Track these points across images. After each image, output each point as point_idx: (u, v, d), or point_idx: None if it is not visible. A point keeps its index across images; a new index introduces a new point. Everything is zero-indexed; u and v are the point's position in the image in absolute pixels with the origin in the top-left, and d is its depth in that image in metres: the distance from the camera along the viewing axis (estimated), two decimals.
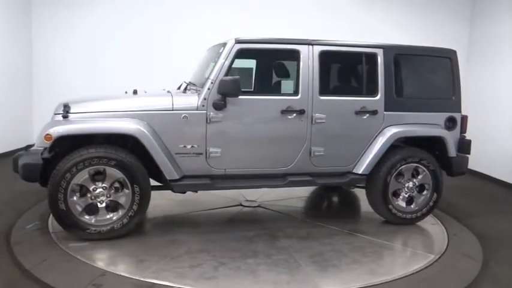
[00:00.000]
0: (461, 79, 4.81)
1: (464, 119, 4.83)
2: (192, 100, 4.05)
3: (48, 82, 8.11)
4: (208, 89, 4.03)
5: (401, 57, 4.58)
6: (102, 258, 3.54)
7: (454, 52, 4.79)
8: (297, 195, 5.60)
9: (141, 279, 3.15)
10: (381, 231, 4.42)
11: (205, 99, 4.03)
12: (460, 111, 4.81)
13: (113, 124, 3.81)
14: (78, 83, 7.81)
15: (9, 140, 7.50)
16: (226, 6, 7.99)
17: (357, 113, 4.40)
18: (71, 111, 3.87)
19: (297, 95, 4.24)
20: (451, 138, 4.67)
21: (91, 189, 3.80)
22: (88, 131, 3.77)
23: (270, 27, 7.51)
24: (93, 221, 3.81)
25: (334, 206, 5.70)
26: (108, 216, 3.85)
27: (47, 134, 3.64)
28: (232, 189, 4.28)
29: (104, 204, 3.85)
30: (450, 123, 4.76)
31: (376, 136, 4.48)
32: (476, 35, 7.67)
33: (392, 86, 4.51)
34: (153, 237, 4.06)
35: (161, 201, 5.17)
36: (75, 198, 3.76)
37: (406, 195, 4.65)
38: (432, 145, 4.72)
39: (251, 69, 5.26)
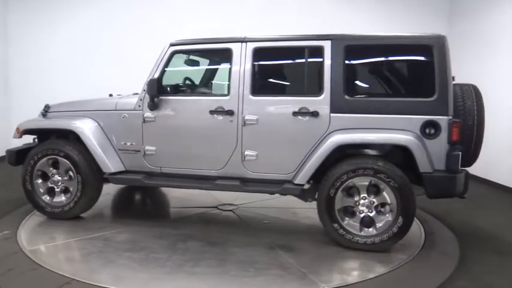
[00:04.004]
0: None
1: (454, 125, 3.70)
2: (132, 101, 4.40)
3: (27, 88, 8.00)
4: (144, 90, 4.30)
5: (355, 49, 3.87)
6: (68, 268, 3.46)
7: (438, 39, 3.71)
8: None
9: (108, 286, 3.11)
10: (320, 251, 3.84)
11: (141, 100, 4.32)
12: (446, 115, 3.70)
13: (59, 121, 4.52)
14: (58, 87, 7.63)
15: None
16: (215, 7, 7.74)
17: (295, 114, 3.93)
18: (50, 110, 4.73)
19: (228, 95, 4.09)
20: (421, 148, 3.65)
21: (50, 175, 4.55)
22: (41, 126, 4.59)
23: (268, 27, 7.03)
24: (50, 202, 4.54)
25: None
26: (60, 200, 4.53)
27: (17, 128, 4.60)
28: (161, 186, 4.45)
29: (59, 189, 4.54)
30: (430, 130, 3.72)
31: (320, 142, 3.89)
32: (455, 33, 7.42)
33: (342, 83, 3.84)
34: (94, 221, 4.52)
35: (154, 197, 5.65)
36: (39, 181, 4.56)
37: (361, 215, 3.86)
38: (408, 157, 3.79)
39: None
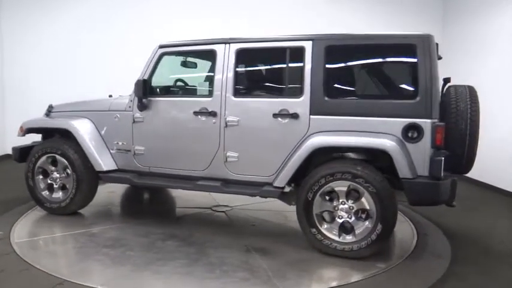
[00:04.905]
0: None
1: (438, 128, 3.50)
2: (124, 102, 4.52)
3: (21, 89, 7.93)
4: (134, 91, 4.41)
5: (337, 50, 3.75)
6: (60, 267, 3.48)
7: (422, 38, 3.53)
8: None
9: (95, 286, 3.12)
10: (297, 256, 3.76)
11: (131, 101, 4.43)
12: (430, 117, 3.51)
13: (57, 121, 4.72)
14: (52, 88, 7.54)
15: None
16: (216, 7, 7.69)
17: (275, 116, 3.88)
18: (53, 110, 4.96)
19: (211, 97, 4.11)
20: (401, 152, 3.48)
21: (50, 172, 4.76)
22: (41, 125, 4.82)
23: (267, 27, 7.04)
24: (49, 197, 4.76)
25: None
26: (57, 196, 4.73)
27: (21, 127, 4.86)
28: (149, 186, 4.49)
29: (57, 185, 4.75)
30: (412, 133, 3.55)
31: (300, 144, 3.82)
32: (454, 33, 7.24)
33: (322, 85, 3.74)
34: (89, 218, 4.69)
35: (156, 196, 5.76)
36: (40, 177, 4.79)
37: (340, 221, 3.74)
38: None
39: None
